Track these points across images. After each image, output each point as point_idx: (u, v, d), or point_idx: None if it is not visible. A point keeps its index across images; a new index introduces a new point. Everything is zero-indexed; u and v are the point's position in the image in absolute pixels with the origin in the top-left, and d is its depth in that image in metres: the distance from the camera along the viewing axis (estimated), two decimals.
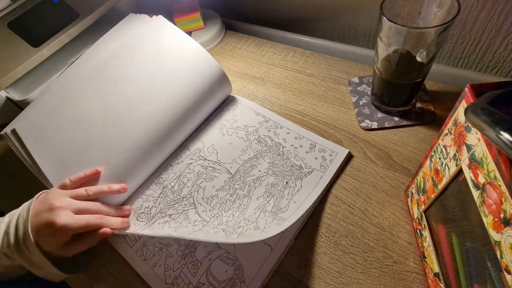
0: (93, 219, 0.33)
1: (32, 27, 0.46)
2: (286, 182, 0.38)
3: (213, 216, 0.36)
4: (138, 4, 0.62)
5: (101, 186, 0.36)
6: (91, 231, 0.34)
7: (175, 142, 0.42)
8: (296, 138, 0.42)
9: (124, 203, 0.40)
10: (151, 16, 0.44)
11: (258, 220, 0.35)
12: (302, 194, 0.37)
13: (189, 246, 0.35)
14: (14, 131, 0.36)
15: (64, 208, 0.32)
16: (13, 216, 0.33)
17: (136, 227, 0.36)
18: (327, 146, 0.40)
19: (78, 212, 0.33)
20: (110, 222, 0.35)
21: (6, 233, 0.32)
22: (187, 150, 0.43)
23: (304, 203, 0.36)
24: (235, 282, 0.32)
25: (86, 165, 0.37)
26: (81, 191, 0.34)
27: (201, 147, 0.43)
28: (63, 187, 0.35)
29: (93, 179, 0.36)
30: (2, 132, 0.37)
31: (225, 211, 0.37)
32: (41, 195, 0.34)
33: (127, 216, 0.38)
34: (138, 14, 0.44)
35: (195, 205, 0.38)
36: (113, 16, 0.53)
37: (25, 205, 0.34)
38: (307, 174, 0.38)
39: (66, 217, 0.31)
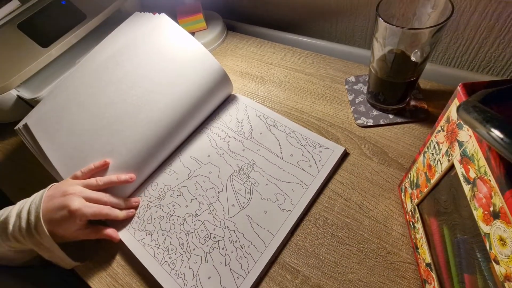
0: (104, 209, 0.35)
1: (41, 28, 0.48)
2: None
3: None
4: (143, 5, 0.63)
5: (110, 177, 0.38)
6: (99, 226, 0.36)
7: (178, 139, 0.44)
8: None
9: (132, 194, 0.41)
10: (154, 14, 0.45)
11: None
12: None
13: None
14: (26, 126, 0.37)
15: (77, 194, 0.34)
16: (25, 202, 0.35)
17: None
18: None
19: (90, 200, 0.35)
20: (116, 213, 0.37)
21: (18, 216, 0.33)
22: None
23: (301, 200, 0.37)
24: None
25: (95, 157, 0.38)
26: (92, 181, 0.36)
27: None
28: (75, 177, 0.37)
29: (102, 170, 0.38)
30: (16, 128, 0.39)
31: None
32: (54, 185, 0.36)
33: (135, 208, 0.40)
34: (143, 12, 0.46)
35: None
36: (119, 17, 0.54)
37: (38, 193, 0.35)
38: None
39: (79, 203, 0.33)
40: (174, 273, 0.34)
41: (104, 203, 0.36)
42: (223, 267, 0.34)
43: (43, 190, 0.36)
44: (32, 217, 0.33)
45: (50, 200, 0.34)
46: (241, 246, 0.35)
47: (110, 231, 0.37)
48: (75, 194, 0.34)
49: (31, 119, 0.38)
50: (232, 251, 0.35)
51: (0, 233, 0.33)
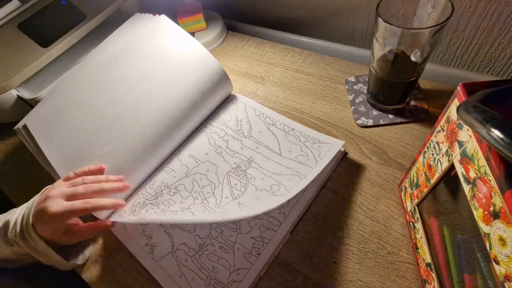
0: (78, 205, 0.33)
1: (41, 28, 0.48)
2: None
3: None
4: (143, 6, 0.64)
5: (98, 176, 0.36)
6: (89, 223, 0.35)
7: (177, 139, 0.44)
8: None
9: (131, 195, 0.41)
10: (155, 15, 0.45)
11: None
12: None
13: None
14: (25, 127, 0.38)
15: (56, 196, 0.33)
16: (24, 207, 0.35)
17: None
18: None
19: (68, 198, 0.33)
20: (100, 204, 0.34)
21: (15, 221, 0.33)
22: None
23: (300, 200, 0.37)
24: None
25: (94, 157, 0.38)
26: (78, 180, 0.35)
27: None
28: (67, 179, 0.36)
29: (97, 174, 0.37)
30: (15, 128, 0.39)
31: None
32: (46, 189, 0.36)
33: (121, 189, 0.37)
34: (143, 13, 0.46)
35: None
36: (119, 18, 0.54)
37: (35, 196, 0.35)
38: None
39: (55, 205, 0.32)
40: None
41: (82, 196, 0.34)
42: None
43: (39, 193, 0.35)
44: (25, 222, 0.33)
45: (39, 204, 0.33)
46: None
47: (99, 222, 0.35)
48: (54, 197, 0.33)
49: (30, 119, 0.38)
50: (213, 223, 0.36)
51: (2, 237, 0.33)
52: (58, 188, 0.34)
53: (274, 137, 0.43)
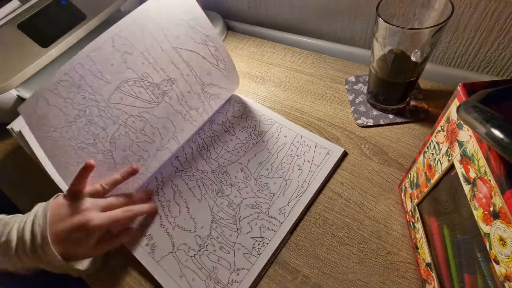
0: (120, 213, 0.33)
1: (41, 28, 0.48)
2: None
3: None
4: None
5: (113, 176, 0.35)
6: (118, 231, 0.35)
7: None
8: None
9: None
10: None
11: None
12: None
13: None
14: (16, 129, 0.37)
15: (90, 209, 0.32)
16: (25, 222, 0.32)
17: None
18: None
19: (104, 210, 0.33)
20: (139, 209, 0.36)
21: (21, 239, 0.31)
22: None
23: (300, 200, 0.37)
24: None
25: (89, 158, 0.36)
26: (97, 187, 0.34)
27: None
28: (96, 192, 0.34)
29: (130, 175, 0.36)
30: (8, 127, 0.38)
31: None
32: (55, 203, 0.33)
33: (150, 196, 0.38)
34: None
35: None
36: (119, 18, 0.54)
37: (38, 210, 0.32)
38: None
39: (97, 217, 0.32)
40: None
41: (119, 206, 0.34)
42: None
43: (44, 207, 0.32)
44: (39, 240, 0.30)
45: (60, 221, 0.31)
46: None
47: (124, 234, 0.35)
48: (88, 210, 0.32)
49: (21, 122, 0.37)
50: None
51: (3, 255, 0.31)
52: (82, 201, 0.32)
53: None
